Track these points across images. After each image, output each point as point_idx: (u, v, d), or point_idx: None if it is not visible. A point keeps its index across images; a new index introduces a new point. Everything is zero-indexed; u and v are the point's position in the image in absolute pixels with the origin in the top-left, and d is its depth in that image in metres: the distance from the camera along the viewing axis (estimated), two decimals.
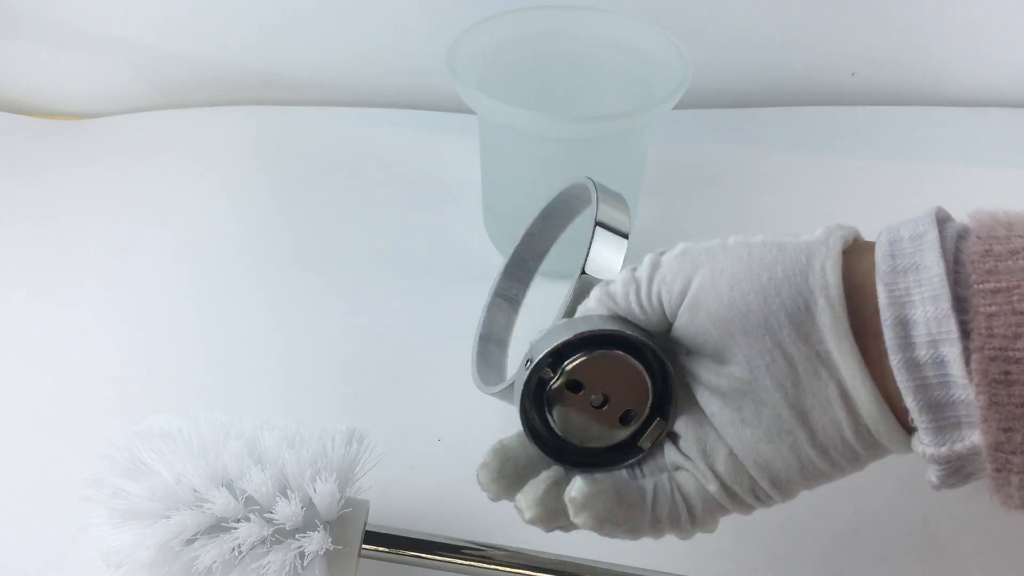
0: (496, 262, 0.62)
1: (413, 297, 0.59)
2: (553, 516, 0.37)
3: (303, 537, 0.39)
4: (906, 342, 0.32)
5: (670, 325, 0.36)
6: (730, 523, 0.43)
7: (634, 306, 0.36)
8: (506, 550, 0.42)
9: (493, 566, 0.42)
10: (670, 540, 0.46)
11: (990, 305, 0.30)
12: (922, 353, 0.32)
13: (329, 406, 0.52)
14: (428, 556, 0.42)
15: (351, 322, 0.58)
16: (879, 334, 0.33)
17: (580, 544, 0.45)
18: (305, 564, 0.39)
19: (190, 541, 0.39)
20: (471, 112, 0.56)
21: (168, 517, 0.39)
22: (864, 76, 0.77)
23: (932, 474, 0.34)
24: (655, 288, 0.35)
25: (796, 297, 0.34)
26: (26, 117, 0.75)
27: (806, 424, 0.35)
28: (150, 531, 0.38)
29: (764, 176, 0.70)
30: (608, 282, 0.37)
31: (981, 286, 0.31)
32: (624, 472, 0.38)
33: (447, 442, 0.51)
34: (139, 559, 0.38)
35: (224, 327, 0.57)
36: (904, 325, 0.32)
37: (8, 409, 0.53)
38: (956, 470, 0.33)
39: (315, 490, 0.40)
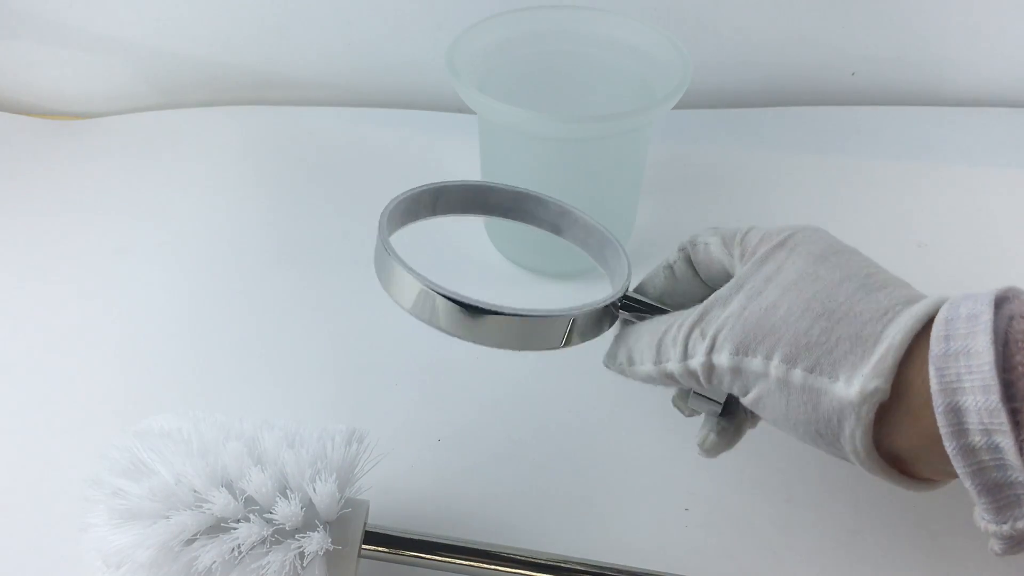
0: (496, 262, 0.62)
1: None
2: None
3: (303, 537, 0.39)
4: (959, 429, 0.31)
5: None
6: (730, 523, 0.44)
7: (695, 386, 0.40)
8: (506, 550, 0.42)
9: (493, 566, 0.42)
10: (669, 540, 0.46)
11: None
12: (976, 440, 0.31)
13: (329, 406, 0.52)
14: (428, 556, 0.42)
15: (351, 322, 0.58)
16: (909, 450, 0.34)
17: (580, 544, 0.45)
18: (305, 564, 0.39)
19: (190, 541, 0.39)
20: (471, 112, 0.56)
21: (168, 517, 0.38)
22: (864, 76, 0.77)
23: (995, 545, 0.34)
24: (715, 383, 0.38)
25: (831, 446, 0.36)
26: (26, 117, 0.75)
27: (832, 453, 0.37)
28: (150, 531, 0.38)
29: (764, 176, 0.70)
30: (661, 361, 0.40)
31: None
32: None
33: (447, 442, 0.51)
34: (139, 559, 0.38)
35: (224, 327, 0.57)
36: (956, 412, 0.31)
37: (8, 409, 0.53)
38: (1019, 542, 0.33)
39: (315, 490, 0.40)
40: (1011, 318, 0.32)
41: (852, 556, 0.45)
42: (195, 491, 0.39)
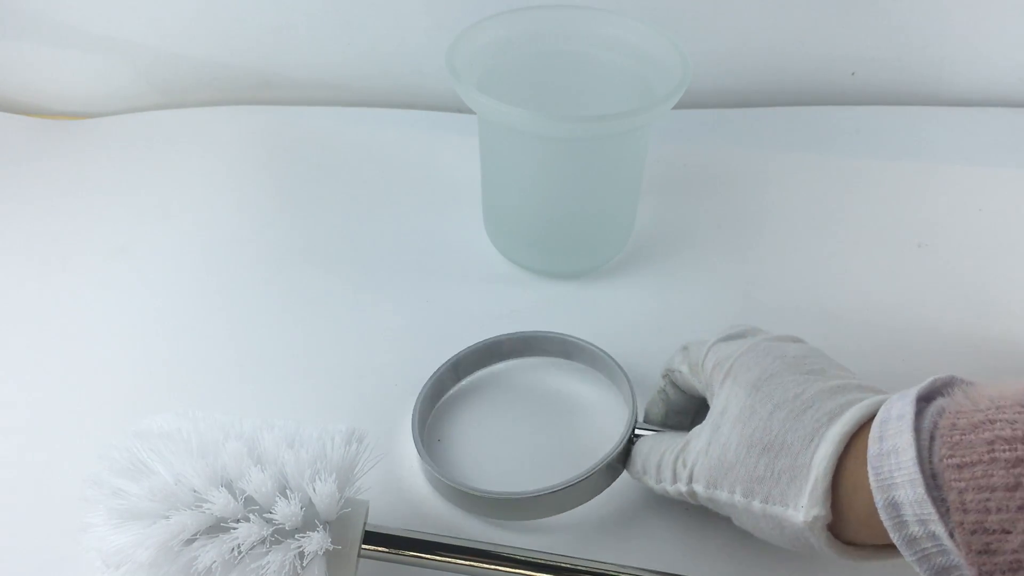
0: (496, 262, 0.62)
1: (413, 297, 0.59)
2: None
3: (303, 537, 0.39)
4: (899, 521, 0.34)
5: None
6: (730, 523, 0.43)
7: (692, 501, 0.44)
8: (506, 550, 0.42)
9: (493, 566, 0.42)
10: (668, 540, 0.46)
11: (958, 481, 0.32)
12: (916, 530, 0.33)
13: (329, 406, 0.52)
14: (427, 556, 0.42)
15: (351, 322, 0.58)
16: (873, 533, 0.36)
17: (580, 544, 0.45)
18: (305, 564, 0.39)
19: (189, 541, 0.39)
20: (471, 112, 0.56)
21: (167, 517, 0.38)
22: (864, 76, 0.77)
23: None
24: (689, 498, 0.43)
25: (802, 548, 0.39)
26: (26, 117, 0.75)
27: (759, 533, 0.42)
28: (150, 531, 0.38)
29: (764, 176, 0.70)
30: (647, 472, 0.45)
31: (948, 461, 0.32)
32: None
33: (447, 442, 0.51)
34: (139, 559, 0.38)
35: (223, 327, 0.57)
36: (894, 506, 0.34)
37: (8, 409, 0.53)
38: None
39: (314, 490, 0.40)
40: (938, 415, 0.34)
41: None
42: (195, 491, 0.39)
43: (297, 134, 0.74)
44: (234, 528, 0.38)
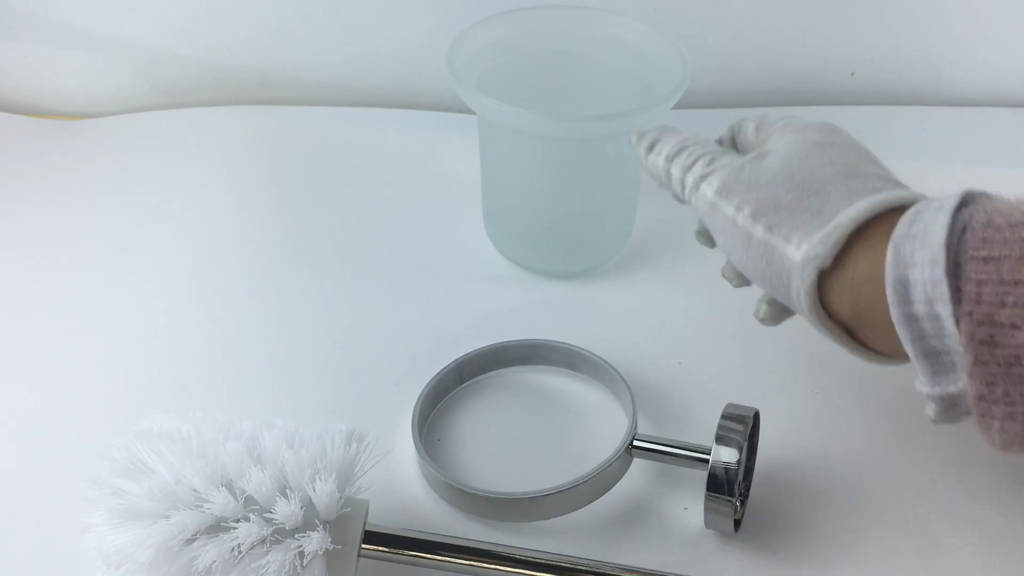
0: (496, 262, 0.62)
1: (413, 297, 0.59)
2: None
3: (303, 537, 0.39)
4: (905, 299, 0.35)
5: None
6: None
7: (676, 189, 0.46)
8: (506, 550, 0.42)
9: (493, 566, 0.42)
10: (668, 540, 0.46)
11: (980, 273, 0.33)
12: (920, 308, 0.35)
13: (329, 406, 0.52)
14: (427, 556, 0.42)
15: (351, 322, 0.57)
16: (858, 326, 0.39)
17: (580, 544, 0.45)
18: (305, 564, 0.39)
19: (190, 541, 0.39)
20: (471, 112, 0.56)
21: (168, 517, 0.39)
22: (864, 76, 0.77)
23: (930, 410, 0.37)
24: (687, 200, 0.45)
25: (784, 298, 0.41)
26: (26, 117, 0.75)
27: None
28: (150, 531, 0.38)
29: None
30: (669, 162, 0.46)
31: (975, 253, 0.33)
32: None
33: (447, 442, 0.51)
34: (139, 559, 0.38)
35: (223, 327, 0.57)
36: (904, 284, 0.35)
37: (8, 408, 0.53)
38: (951, 407, 0.37)
39: (314, 490, 0.40)
40: (975, 211, 0.35)
41: (852, 556, 0.45)
42: (195, 491, 0.39)
43: (297, 134, 0.73)
44: (234, 528, 0.38)
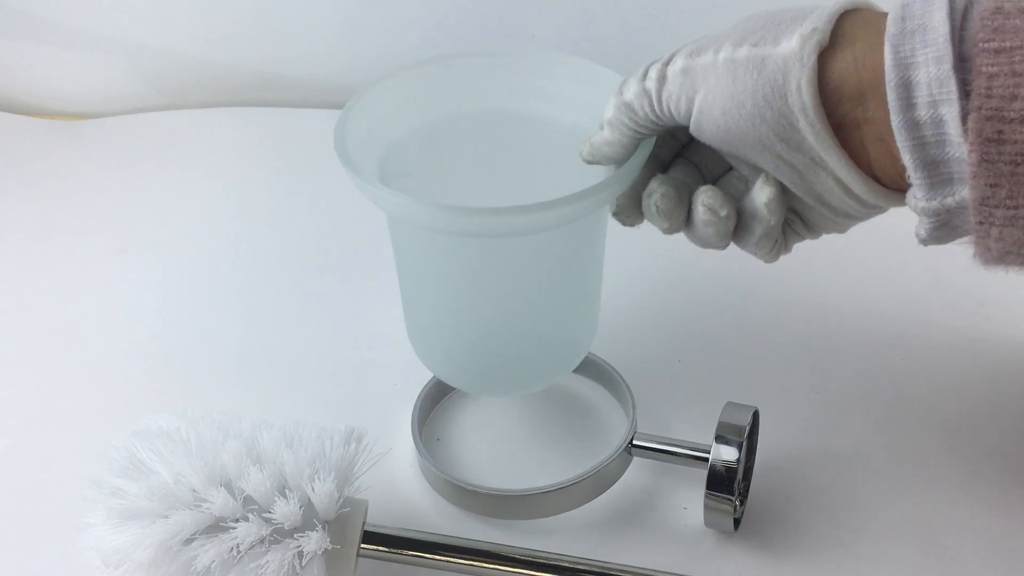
0: None
1: None
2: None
3: (301, 537, 0.39)
4: (907, 103, 0.33)
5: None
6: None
7: (650, 115, 0.39)
8: (506, 550, 0.42)
9: (493, 566, 0.42)
10: (668, 539, 0.46)
11: (991, 65, 0.31)
12: (922, 113, 0.33)
13: (328, 406, 0.52)
14: (426, 556, 0.42)
15: (350, 322, 0.57)
16: (861, 123, 0.35)
17: (580, 544, 0.45)
18: (304, 564, 0.39)
19: (188, 541, 0.39)
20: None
21: (167, 517, 0.39)
22: None
23: (921, 227, 0.36)
24: (664, 102, 0.39)
25: (780, 119, 0.36)
26: (26, 117, 0.75)
27: (818, 197, 0.39)
28: (149, 531, 0.38)
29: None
30: (622, 92, 0.40)
31: (985, 45, 0.31)
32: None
33: (446, 441, 0.51)
34: (138, 559, 0.38)
35: (223, 327, 0.57)
36: (907, 87, 0.33)
37: (8, 409, 0.53)
38: (944, 223, 0.35)
39: (313, 490, 0.40)
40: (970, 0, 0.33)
41: (852, 556, 0.45)
42: (194, 491, 0.39)
43: (297, 136, 0.73)
44: (233, 528, 0.38)
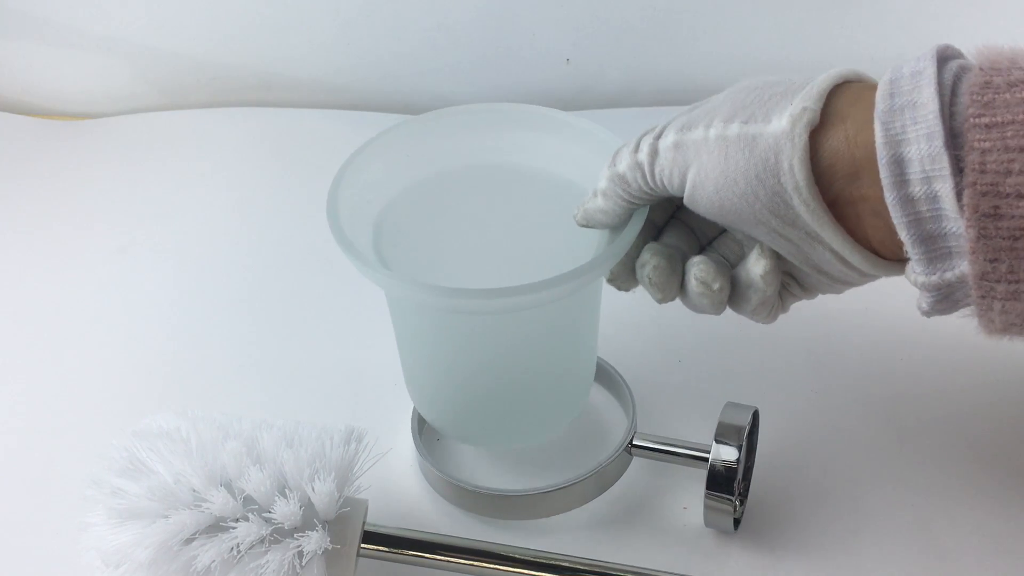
0: None
1: None
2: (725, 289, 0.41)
3: (301, 536, 0.39)
4: (901, 180, 0.33)
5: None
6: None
7: (643, 186, 0.40)
8: (505, 549, 0.42)
9: (493, 565, 0.42)
10: (668, 539, 0.46)
11: (983, 141, 0.31)
12: (916, 189, 0.33)
13: (328, 406, 0.52)
14: (426, 556, 0.42)
15: (350, 321, 0.57)
16: (856, 201, 0.35)
17: (580, 544, 0.45)
18: (304, 563, 0.39)
19: (189, 540, 0.39)
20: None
21: (167, 517, 0.39)
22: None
23: (923, 301, 0.36)
24: (657, 175, 0.39)
25: (774, 196, 0.36)
26: (26, 117, 0.75)
27: (815, 267, 0.39)
28: (149, 531, 0.38)
29: None
30: (616, 164, 0.40)
31: (976, 120, 0.31)
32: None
33: (446, 441, 0.51)
34: (138, 558, 0.38)
35: (223, 327, 0.57)
36: (899, 163, 0.33)
37: (8, 408, 0.53)
38: (945, 297, 0.35)
39: (313, 489, 0.40)
40: (960, 72, 0.33)
41: (852, 556, 0.45)
42: (194, 490, 0.39)
43: (297, 136, 0.73)
44: (233, 527, 0.39)
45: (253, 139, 0.73)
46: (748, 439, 0.45)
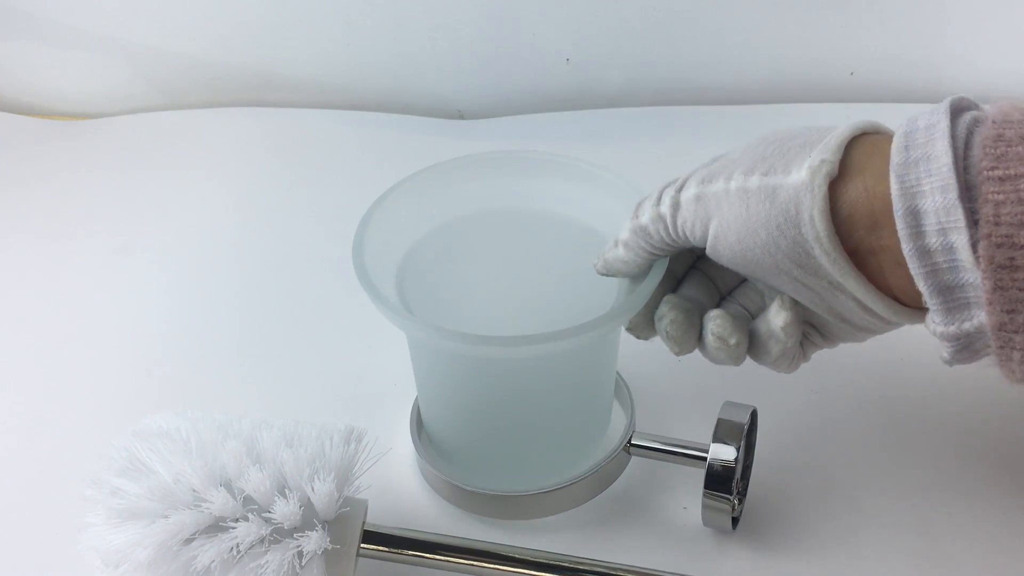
0: None
1: None
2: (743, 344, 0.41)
3: (301, 536, 0.39)
4: (917, 231, 0.33)
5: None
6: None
7: (665, 238, 0.40)
8: (505, 549, 0.42)
9: (493, 565, 0.42)
10: (667, 538, 0.46)
11: (997, 193, 0.32)
12: (932, 241, 0.33)
13: (328, 406, 0.52)
14: (426, 556, 0.42)
15: (349, 321, 0.57)
16: (877, 251, 0.36)
17: (580, 544, 0.45)
18: (303, 563, 0.39)
19: (188, 541, 0.39)
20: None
21: (167, 517, 0.39)
22: (863, 75, 0.77)
23: (944, 351, 0.36)
24: (679, 227, 0.40)
25: (795, 247, 0.37)
26: (26, 117, 0.75)
27: (838, 315, 0.39)
28: (149, 531, 0.38)
29: None
30: (638, 216, 0.41)
31: (990, 173, 0.32)
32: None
33: None
34: (138, 559, 0.38)
35: (223, 327, 0.57)
36: (915, 215, 0.33)
37: (8, 408, 0.53)
38: (965, 347, 0.35)
39: (313, 489, 0.40)
40: (974, 124, 0.34)
41: (852, 556, 0.45)
42: (194, 490, 0.39)
43: (297, 136, 0.74)
44: (233, 527, 0.39)
45: (253, 139, 0.73)
46: (746, 438, 0.45)
